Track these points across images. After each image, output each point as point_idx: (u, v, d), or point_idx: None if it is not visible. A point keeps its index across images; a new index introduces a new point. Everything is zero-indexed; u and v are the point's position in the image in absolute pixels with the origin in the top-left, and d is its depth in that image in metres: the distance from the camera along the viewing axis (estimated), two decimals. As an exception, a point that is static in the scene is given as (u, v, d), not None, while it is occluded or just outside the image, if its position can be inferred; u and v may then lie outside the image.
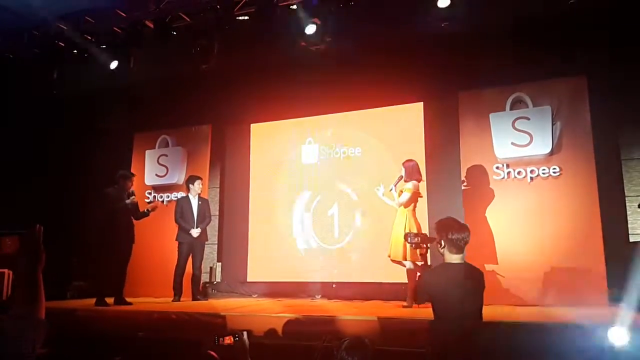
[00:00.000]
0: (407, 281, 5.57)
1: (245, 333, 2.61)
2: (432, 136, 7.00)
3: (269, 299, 6.93)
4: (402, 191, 5.64)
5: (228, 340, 2.56)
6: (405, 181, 5.70)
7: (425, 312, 4.91)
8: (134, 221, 6.39)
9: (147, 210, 6.50)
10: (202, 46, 6.58)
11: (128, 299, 6.18)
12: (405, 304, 5.42)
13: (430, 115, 7.08)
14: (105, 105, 9.07)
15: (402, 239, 5.29)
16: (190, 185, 6.86)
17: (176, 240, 6.67)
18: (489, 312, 4.95)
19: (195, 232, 6.62)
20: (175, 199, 7.37)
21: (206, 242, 6.92)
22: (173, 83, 8.29)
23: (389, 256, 5.58)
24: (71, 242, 7.93)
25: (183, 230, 6.65)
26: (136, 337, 4.59)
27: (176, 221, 6.71)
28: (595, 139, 5.79)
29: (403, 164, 5.79)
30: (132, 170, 8.05)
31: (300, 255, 7.41)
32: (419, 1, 6.24)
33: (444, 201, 6.79)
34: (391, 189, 5.75)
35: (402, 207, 5.57)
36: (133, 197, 6.30)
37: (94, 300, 5.92)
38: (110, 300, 5.96)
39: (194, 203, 6.76)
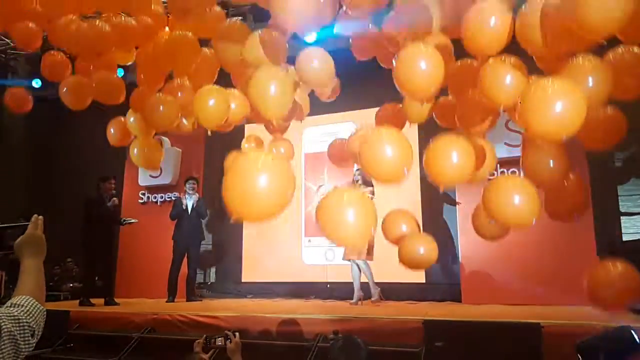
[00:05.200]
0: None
1: (237, 333, 2.61)
2: (425, 136, 6.99)
3: (263, 299, 6.94)
4: None
5: (220, 340, 2.57)
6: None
7: (418, 311, 4.94)
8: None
9: (124, 221, 6.49)
10: None
11: (123, 300, 6.17)
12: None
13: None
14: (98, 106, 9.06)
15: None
16: (185, 187, 6.90)
17: (172, 238, 6.65)
18: (484, 311, 5.00)
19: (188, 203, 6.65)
20: (169, 199, 7.37)
21: (201, 243, 6.90)
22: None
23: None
24: (65, 244, 7.91)
25: (178, 226, 6.65)
26: (131, 338, 4.58)
27: (171, 217, 6.75)
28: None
29: (358, 171, 5.81)
30: (126, 172, 8.06)
31: (294, 255, 7.40)
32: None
33: (438, 202, 6.82)
34: None
35: None
36: (114, 199, 6.25)
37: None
38: (98, 301, 5.97)
39: (190, 202, 6.77)
